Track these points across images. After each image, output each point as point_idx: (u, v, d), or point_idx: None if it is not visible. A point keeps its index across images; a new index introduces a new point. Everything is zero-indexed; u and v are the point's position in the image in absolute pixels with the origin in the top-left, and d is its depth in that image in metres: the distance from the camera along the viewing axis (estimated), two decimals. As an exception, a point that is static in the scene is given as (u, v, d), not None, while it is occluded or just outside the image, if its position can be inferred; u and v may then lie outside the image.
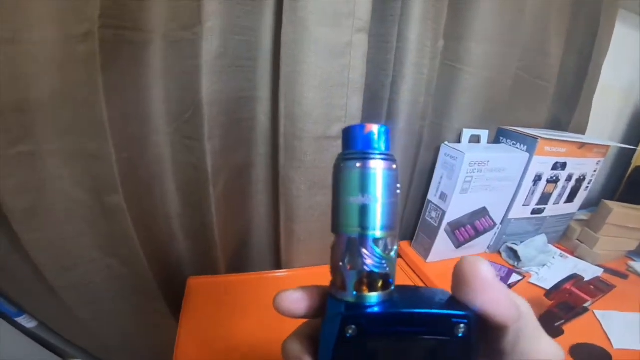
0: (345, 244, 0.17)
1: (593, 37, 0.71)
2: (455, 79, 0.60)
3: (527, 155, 0.62)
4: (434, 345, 0.17)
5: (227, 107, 0.47)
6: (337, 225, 0.18)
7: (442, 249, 0.64)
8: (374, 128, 0.17)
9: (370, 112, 0.54)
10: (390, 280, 0.18)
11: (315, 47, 0.45)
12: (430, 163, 0.64)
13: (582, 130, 0.78)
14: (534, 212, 0.69)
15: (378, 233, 0.17)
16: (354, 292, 0.17)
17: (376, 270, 0.17)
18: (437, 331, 0.17)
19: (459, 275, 0.17)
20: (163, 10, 0.42)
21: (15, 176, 0.39)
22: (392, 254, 0.18)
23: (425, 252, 0.64)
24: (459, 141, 0.64)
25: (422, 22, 0.51)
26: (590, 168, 0.70)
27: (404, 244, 0.68)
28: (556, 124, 0.77)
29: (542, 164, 0.64)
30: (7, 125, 0.37)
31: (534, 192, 0.66)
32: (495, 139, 0.69)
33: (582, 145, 0.66)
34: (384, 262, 0.17)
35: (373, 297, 0.17)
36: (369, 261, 0.17)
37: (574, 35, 0.71)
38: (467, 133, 0.63)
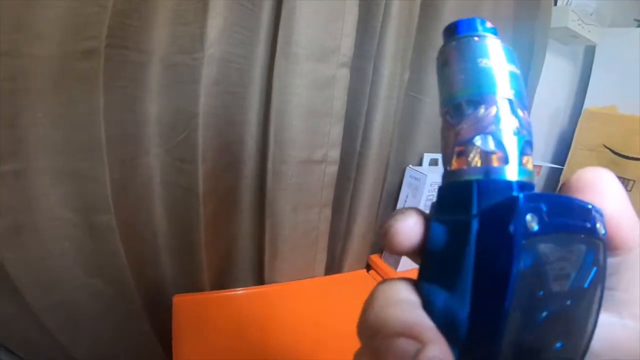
0: (498, 106, 0.14)
1: (527, 68, 0.83)
2: (416, 108, 0.68)
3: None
4: (586, 248, 0.14)
5: (220, 131, 0.50)
6: (468, 95, 0.14)
7: (409, 259, 0.71)
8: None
9: (348, 138, 0.59)
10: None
11: (304, 80, 0.50)
12: (397, 184, 0.72)
13: (520, 152, 0.90)
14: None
15: (523, 97, 0.14)
16: (520, 166, 0.13)
17: (529, 137, 0.14)
18: (591, 227, 0.14)
19: (579, 183, 0.15)
20: (164, 34, 0.44)
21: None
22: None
23: (395, 262, 0.70)
24: (420, 164, 0.72)
25: (394, 58, 0.57)
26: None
27: (375, 257, 0.74)
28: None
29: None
30: None
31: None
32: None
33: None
34: (531, 130, 0.14)
35: (532, 174, 0.14)
36: (527, 124, 0.14)
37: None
38: (427, 157, 0.71)
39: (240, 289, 0.57)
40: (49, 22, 0.36)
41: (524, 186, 0.13)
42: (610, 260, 0.14)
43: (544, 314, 0.13)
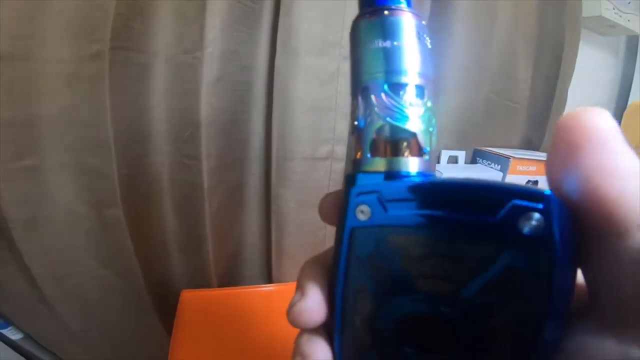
0: (359, 95, 0.14)
1: (559, 61, 0.78)
2: (433, 103, 0.65)
3: (501, 174, 0.67)
4: (486, 250, 0.11)
5: (223, 128, 0.50)
6: (351, 87, 0.15)
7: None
8: None
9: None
10: (424, 147, 0.14)
11: (306, 75, 0.49)
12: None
13: (552, 150, 0.84)
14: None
15: (395, 78, 0.14)
16: (369, 155, 0.14)
17: (392, 121, 0.13)
18: (487, 222, 0.11)
19: (557, 134, 0.11)
20: (168, 35, 0.46)
21: (18, 188, 0.41)
22: (421, 107, 0.14)
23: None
24: (438, 162, 0.68)
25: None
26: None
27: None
28: (529, 144, 0.83)
29: (515, 182, 0.69)
30: (17, 138, 0.39)
31: (508, 208, 0.71)
32: (472, 159, 0.74)
33: (552, 164, 0.72)
34: (404, 113, 0.13)
35: (397, 162, 0.13)
36: (381, 110, 0.13)
37: (540, 59, 0.78)
38: (445, 154, 0.68)
39: (247, 286, 0.57)
40: (59, 28, 0.39)
41: (371, 177, 0.13)
42: (600, 251, 0.11)
43: (403, 310, 0.13)
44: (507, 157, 0.66)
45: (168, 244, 0.54)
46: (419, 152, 0.14)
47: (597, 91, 1.05)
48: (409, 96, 0.14)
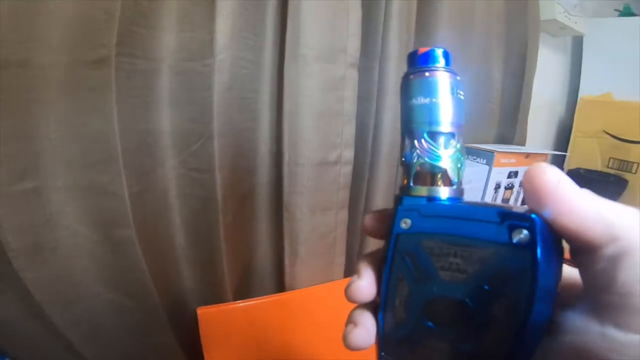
0: (407, 137, 0.19)
1: (523, 61, 0.85)
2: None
3: (487, 167, 0.72)
4: (489, 253, 0.16)
5: (235, 138, 0.49)
6: (401, 129, 0.20)
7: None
8: (425, 50, 0.19)
9: (359, 137, 0.60)
10: (453, 179, 0.18)
11: (315, 81, 0.50)
12: (407, 180, 0.71)
13: (523, 143, 0.92)
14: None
15: (432, 128, 0.18)
16: (412, 184, 0.19)
17: (430, 160, 0.18)
18: (491, 234, 0.16)
19: (526, 183, 0.16)
20: (172, 41, 0.44)
21: (19, 214, 0.38)
22: (452, 150, 0.18)
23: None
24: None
25: (399, 58, 0.58)
26: (535, 175, 0.82)
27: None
28: (502, 139, 0.90)
29: (499, 173, 0.74)
30: (15, 155, 0.36)
31: (495, 198, 0.76)
32: (460, 155, 0.78)
33: (528, 155, 0.78)
34: (438, 155, 0.18)
35: (433, 190, 0.18)
36: (422, 152, 0.18)
37: (508, 60, 0.84)
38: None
39: (263, 297, 0.56)
40: (60, 31, 0.36)
41: (410, 199, 0.19)
42: (587, 262, 0.15)
43: (433, 292, 0.17)
44: (492, 152, 0.72)
45: (182, 262, 0.52)
46: (449, 183, 0.19)
47: (552, 87, 1.15)
48: (443, 141, 0.18)
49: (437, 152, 0.18)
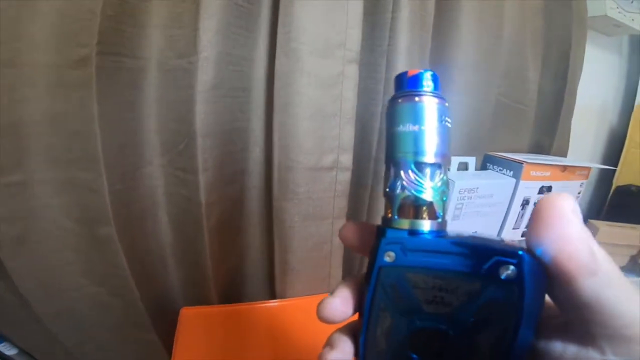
0: (392, 167, 0.18)
1: (566, 60, 0.75)
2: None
3: (514, 180, 0.64)
4: (476, 287, 0.16)
5: (221, 139, 0.47)
6: (385, 156, 0.19)
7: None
8: (414, 72, 0.18)
9: (362, 141, 0.55)
10: (438, 212, 0.18)
11: (308, 78, 0.46)
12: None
13: (563, 153, 0.81)
14: (524, 234, 0.70)
15: (418, 158, 0.17)
16: (396, 217, 0.18)
17: (415, 193, 0.17)
18: (478, 269, 0.15)
19: (534, 212, 0.15)
20: (160, 38, 0.43)
21: (5, 205, 0.38)
22: (438, 182, 0.18)
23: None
24: (448, 169, 0.65)
25: (409, 53, 0.53)
26: (574, 190, 0.72)
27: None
28: (539, 148, 0.80)
29: (528, 188, 0.65)
30: (1, 150, 0.37)
31: (522, 215, 0.67)
32: (482, 165, 0.71)
33: (565, 168, 0.69)
34: (423, 187, 0.17)
35: (417, 223, 0.18)
36: (408, 184, 0.18)
37: (548, 59, 0.75)
38: (454, 160, 0.65)
39: (250, 303, 0.54)
40: (45, 30, 0.36)
41: (393, 232, 0.18)
42: (574, 291, 0.14)
43: (416, 324, 0.17)
44: (520, 163, 0.63)
45: (165, 260, 0.51)
46: (434, 216, 0.18)
47: (603, 92, 1.02)
48: (429, 172, 0.18)
49: (423, 185, 0.18)
